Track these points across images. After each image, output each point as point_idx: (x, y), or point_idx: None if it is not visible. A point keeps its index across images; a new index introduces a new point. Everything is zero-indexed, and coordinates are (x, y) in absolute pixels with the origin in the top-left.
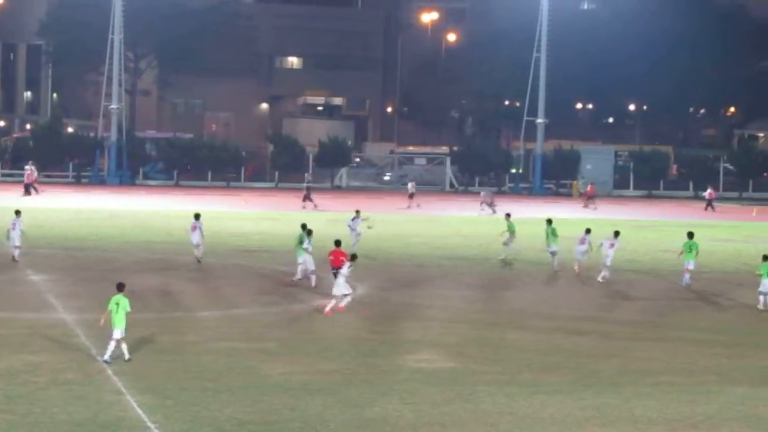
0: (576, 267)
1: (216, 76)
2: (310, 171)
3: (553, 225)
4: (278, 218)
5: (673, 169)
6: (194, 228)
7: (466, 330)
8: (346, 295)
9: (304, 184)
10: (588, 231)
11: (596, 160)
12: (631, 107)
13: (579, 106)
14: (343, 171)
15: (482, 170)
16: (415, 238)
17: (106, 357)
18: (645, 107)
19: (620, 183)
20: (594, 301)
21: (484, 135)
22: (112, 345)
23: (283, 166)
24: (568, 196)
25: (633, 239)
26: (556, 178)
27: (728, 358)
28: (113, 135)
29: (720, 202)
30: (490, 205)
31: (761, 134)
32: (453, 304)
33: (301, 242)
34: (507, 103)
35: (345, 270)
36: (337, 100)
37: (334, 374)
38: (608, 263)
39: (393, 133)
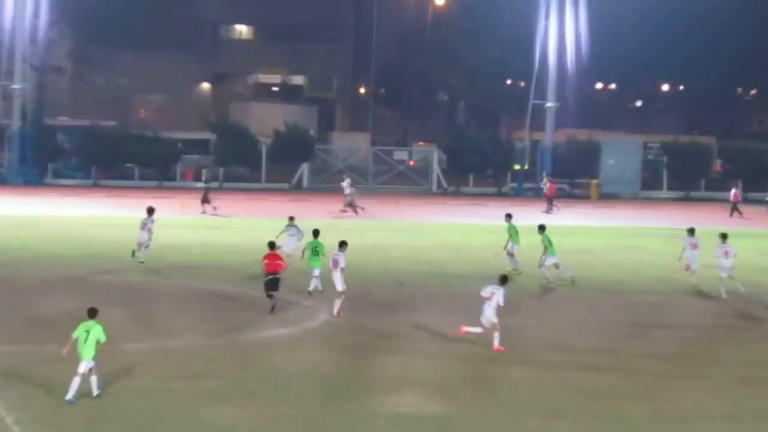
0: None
1: (146, 49)
2: (209, 167)
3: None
4: (224, 226)
5: (717, 164)
6: (144, 226)
7: (457, 365)
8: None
9: (201, 184)
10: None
11: (620, 153)
12: (664, 88)
13: (599, 86)
14: (304, 168)
15: (477, 167)
16: (395, 250)
17: (69, 396)
18: (681, 88)
19: (650, 182)
20: (616, 329)
21: (480, 123)
22: (76, 381)
23: (231, 162)
24: (585, 198)
25: (663, 251)
26: (570, 176)
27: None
28: (15, 122)
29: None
30: (350, 205)
31: None
32: (442, 333)
33: (315, 252)
34: (509, 83)
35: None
36: (297, 80)
37: (294, 421)
38: (725, 275)
39: (367, 121)
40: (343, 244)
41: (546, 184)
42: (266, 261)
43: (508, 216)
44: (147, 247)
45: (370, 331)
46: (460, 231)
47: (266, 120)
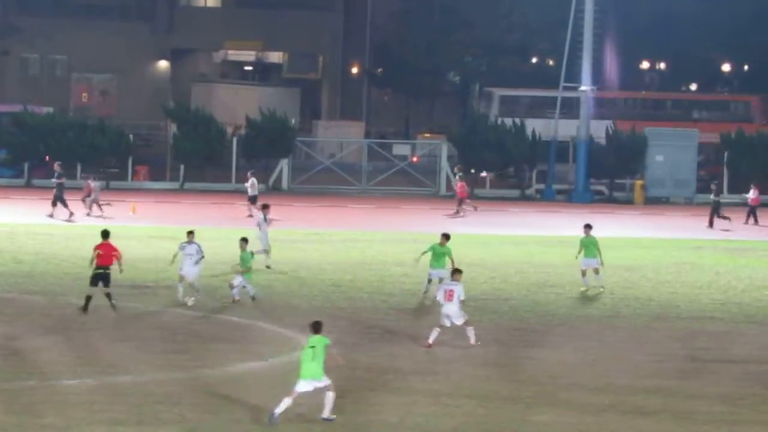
0: None
1: (88, 18)
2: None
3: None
4: (181, 236)
5: None
6: (185, 250)
7: (471, 408)
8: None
9: (52, 180)
10: None
11: (671, 148)
12: (725, 68)
13: (645, 65)
14: (284, 164)
15: (496, 163)
16: (394, 267)
17: (277, 412)
18: (747, 67)
19: (707, 184)
20: (667, 364)
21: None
22: (287, 401)
23: (192, 156)
24: (628, 203)
25: (724, 269)
26: (610, 176)
27: None
28: None
29: None
30: (251, 200)
31: None
32: (452, 369)
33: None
34: (534, 61)
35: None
36: (275, 57)
37: None
38: None
39: (360, 108)
40: (456, 272)
41: (456, 182)
42: (98, 251)
43: (588, 227)
44: (186, 280)
45: (363, 367)
46: (474, 244)
47: (237, 106)
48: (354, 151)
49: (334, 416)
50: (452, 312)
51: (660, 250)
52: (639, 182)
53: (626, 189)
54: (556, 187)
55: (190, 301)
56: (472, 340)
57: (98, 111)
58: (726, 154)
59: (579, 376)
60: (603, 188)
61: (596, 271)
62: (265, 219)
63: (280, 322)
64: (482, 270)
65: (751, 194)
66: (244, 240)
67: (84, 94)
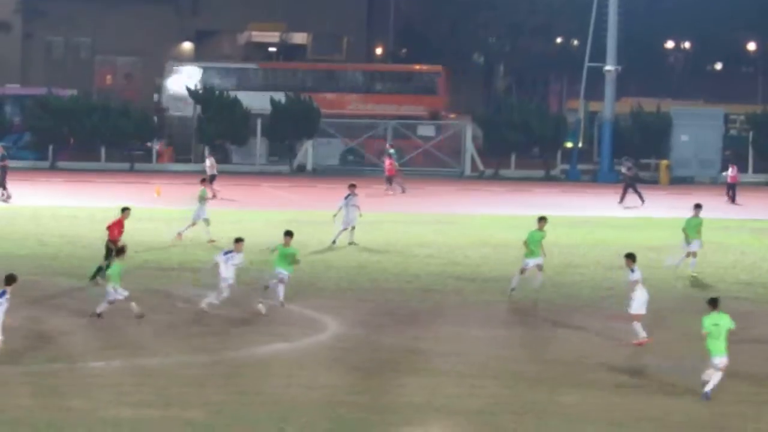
0: None
1: (112, 1)
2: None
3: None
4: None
5: None
6: (228, 257)
7: (496, 389)
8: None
9: None
10: None
11: (696, 127)
12: (751, 47)
13: (670, 45)
14: (309, 145)
15: (521, 144)
16: (419, 248)
17: (707, 389)
18: None
19: (733, 163)
20: (695, 344)
21: (524, 91)
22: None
23: (218, 138)
24: (654, 183)
25: (751, 249)
26: (636, 155)
27: None
28: None
29: None
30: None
31: None
32: (477, 350)
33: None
34: (559, 41)
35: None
36: (299, 38)
37: None
38: None
39: None
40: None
41: (386, 159)
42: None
43: (698, 207)
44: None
45: (388, 348)
46: (500, 224)
47: None
48: (379, 132)
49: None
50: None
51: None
52: (664, 162)
53: (651, 169)
54: (581, 167)
55: (264, 309)
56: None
57: (122, 93)
58: (751, 133)
59: (605, 356)
60: (624, 169)
61: (694, 255)
62: (204, 195)
63: (306, 304)
64: (508, 251)
65: (730, 172)
66: (289, 234)
67: (108, 77)
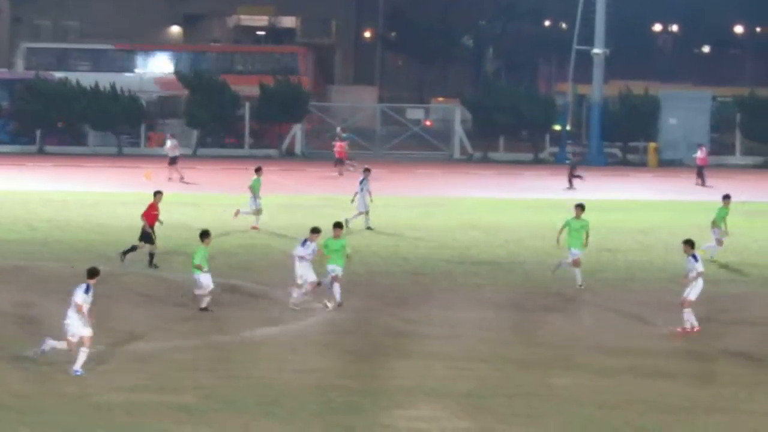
0: None
1: None
2: None
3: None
4: (198, 202)
5: None
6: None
7: (486, 371)
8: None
9: None
10: None
11: (684, 110)
12: (738, 30)
13: (658, 28)
14: (297, 129)
15: (510, 128)
16: (408, 231)
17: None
18: (759, 29)
19: (721, 146)
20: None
21: (513, 74)
22: None
23: (207, 123)
24: (642, 165)
25: (740, 232)
26: (624, 138)
27: None
28: None
29: None
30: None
31: None
32: (467, 333)
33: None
34: (547, 24)
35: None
36: (288, 21)
37: None
38: None
39: (373, 73)
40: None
41: (337, 142)
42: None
43: (726, 198)
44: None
45: (378, 331)
46: (488, 207)
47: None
48: (367, 116)
49: None
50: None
51: (674, 212)
52: (652, 145)
53: (639, 151)
54: (571, 150)
55: (331, 305)
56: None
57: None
58: (738, 116)
59: (596, 339)
60: (617, 151)
61: (719, 242)
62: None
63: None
64: (497, 233)
65: (699, 154)
66: (338, 226)
67: None
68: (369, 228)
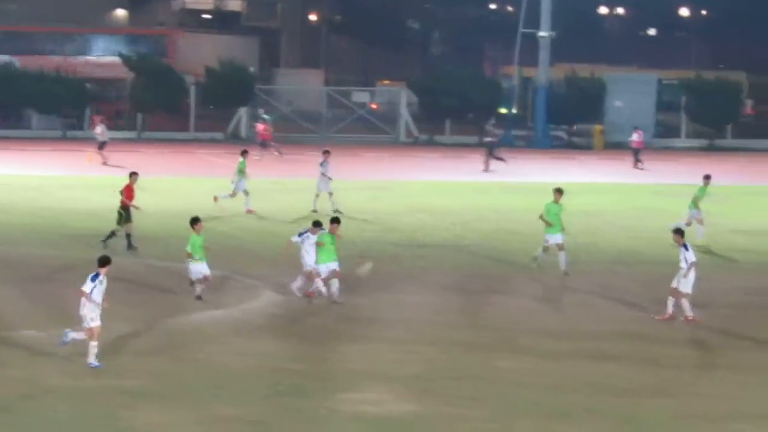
0: None
1: None
2: None
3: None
4: (143, 186)
5: (748, 106)
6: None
7: (433, 355)
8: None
9: None
10: None
11: (630, 93)
12: (684, 13)
13: (604, 11)
14: (242, 112)
15: (455, 111)
16: (355, 215)
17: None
18: (704, 13)
19: (667, 128)
20: (630, 309)
21: (459, 57)
22: None
23: (152, 106)
24: (588, 148)
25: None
26: (570, 121)
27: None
28: None
29: None
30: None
31: None
32: (414, 316)
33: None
34: (493, 7)
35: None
36: (234, 5)
37: (234, 425)
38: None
39: (319, 56)
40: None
41: (259, 124)
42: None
43: (707, 178)
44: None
45: (326, 315)
46: (435, 190)
47: (196, 55)
48: (313, 99)
49: None
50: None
51: (620, 195)
52: (598, 127)
53: (585, 134)
54: (516, 132)
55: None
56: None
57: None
58: (684, 98)
59: (541, 322)
60: (562, 134)
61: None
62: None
63: (244, 273)
64: (443, 216)
65: (634, 137)
66: (336, 221)
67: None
68: (336, 212)
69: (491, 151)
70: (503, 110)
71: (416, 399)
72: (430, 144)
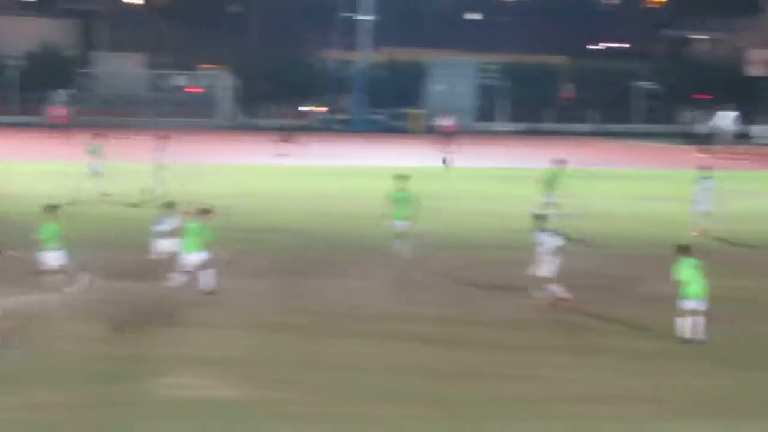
0: None
1: None
2: None
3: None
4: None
5: (567, 90)
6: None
7: (254, 339)
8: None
9: None
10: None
11: (451, 77)
12: None
13: None
14: (62, 96)
15: (276, 94)
16: (175, 199)
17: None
18: None
19: (488, 112)
20: (450, 292)
21: (279, 41)
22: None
23: None
24: (407, 132)
25: (506, 197)
26: (390, 105)
27: (651, 375)
28: None
29: (645, 138)
30: None
31: (702, 37)
32: (233, 300)
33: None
34: None
35: None
36: None
37: (57, 410)
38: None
39: (140, 39)
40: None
41: (52, 108)
42: None
43: (560, 161)
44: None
45: (142, 300)
46: (255, 174)
47: (14, 38)
48: (133, 83)
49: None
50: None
51: (438, 178)
52: (417, 111)
53: (405, 118)
54: (338, 117)
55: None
56: None
57: None
58: (504, 83)
59: (356, 305)
60: (382, 118)
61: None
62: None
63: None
64: (260, 200)
65: (446, 122)
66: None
67: None
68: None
69: (285, 136)
70: (323, 95)
71: (236, 384)
72: (249, 128)
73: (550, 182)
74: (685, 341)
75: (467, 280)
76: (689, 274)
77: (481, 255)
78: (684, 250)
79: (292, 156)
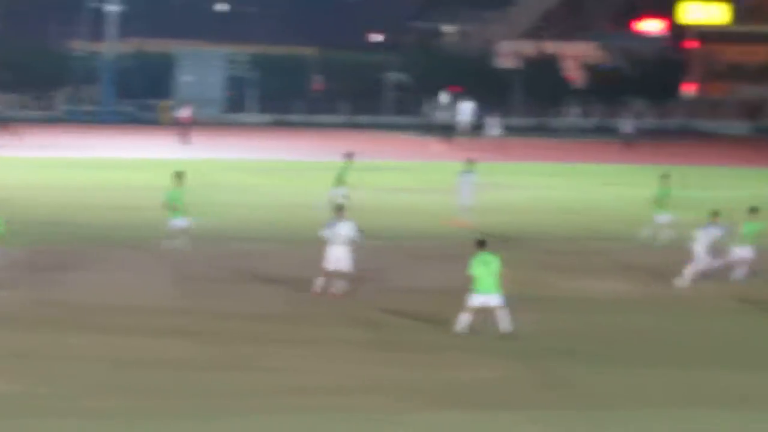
0: None
1: None
2: None
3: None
4: None
5: (316, 82)
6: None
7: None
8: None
9: None
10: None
11: (199, 68)
12: None
13: None
14: None
15: (23, 84)
16: None
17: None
18: None
19: (237, 103)
20: (204, 285)
21: (22, 29)
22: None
23: None
24: (156, 123)
25: (257, 189)
26: (139, 96)
27: (418, 367)
28: None
29: (394, 129)
30: None
31: (453, 29)
32: None
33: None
34: None
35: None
36: None
37: None
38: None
39: None
40: None
41: None
42: None
43: (349, 155)
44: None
45: None
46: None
47: None
48: None
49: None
50: None
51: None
52: (164, 103)
53: (154, 110)
54: (85, 108)
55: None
56: None
57: None
58: (254, 74)
59: (108, 298)
60: (131, 109)
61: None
62: None
63: None
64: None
65: (183, 113)
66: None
67: None
68: None
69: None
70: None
71: None
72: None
73: (339, 176)
74: (459, 334)
75: (241, 273)
76: (480, 270)
77: (252, 247)
78: (481, 244)
79: (6, 147)
